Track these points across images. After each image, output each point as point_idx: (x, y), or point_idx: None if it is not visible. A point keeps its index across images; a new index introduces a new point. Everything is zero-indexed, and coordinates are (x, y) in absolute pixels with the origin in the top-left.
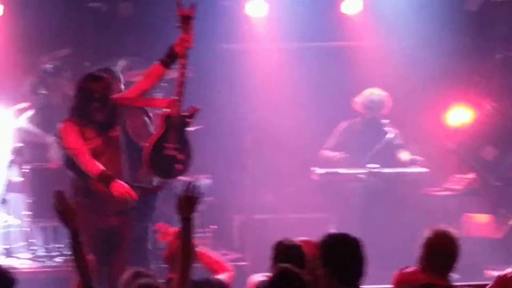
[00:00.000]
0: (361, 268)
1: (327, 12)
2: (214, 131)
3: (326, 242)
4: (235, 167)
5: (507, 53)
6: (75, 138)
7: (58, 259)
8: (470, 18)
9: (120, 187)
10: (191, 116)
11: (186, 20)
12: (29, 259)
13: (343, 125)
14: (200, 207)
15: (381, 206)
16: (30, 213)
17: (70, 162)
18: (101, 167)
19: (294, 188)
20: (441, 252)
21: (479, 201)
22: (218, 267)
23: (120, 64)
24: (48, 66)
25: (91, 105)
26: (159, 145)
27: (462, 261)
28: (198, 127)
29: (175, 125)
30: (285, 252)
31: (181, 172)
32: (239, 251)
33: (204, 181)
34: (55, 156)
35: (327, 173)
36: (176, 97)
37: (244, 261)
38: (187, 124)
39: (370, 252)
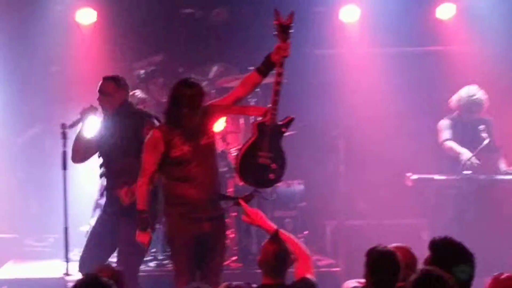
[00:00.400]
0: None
1: (421, 16)
2: (307, 137)
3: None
4: (328, 172)
5: None
6: (150, 157)
7: (151, 264)
8: None
9: (147, 238)
10: (286, 125)
11: (284, 29)
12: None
13: (446, 121)
14: (293, 213)
15: (475, 212)
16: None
17: (162, 170)
18: (146, 205)
19: (387, 193)
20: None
21: None
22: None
23: (213, 70)
24: (141, 72)
25: (181, 111)
26: (251, 153)
27: None
28: (291, 132)
29: (269, 134)
30: (379, 259)
31: (273, 182)
32: (331, 257)
33: (297, 187)
34: None
35: (421, 178)
36: (271, 106)
37: (337, 267)
38: (281, 133)
39: None
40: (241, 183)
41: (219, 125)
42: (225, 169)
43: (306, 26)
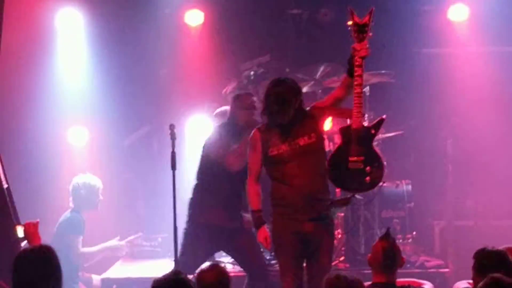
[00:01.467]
0: None
1: None
2: (415, 136)
3: None
4: (436, 172)
5: None
6: (252, 157)
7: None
8: None
9: (262, 235)
10: (375, 126)
11: (360, 29)
12: (231, 263)
13: None
14: (401, 213)
15: None
16: None
17: (266, 170)
18: (259, 205)
19: (497, 193)
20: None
21: None
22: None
23: (320, 70)
24: (250, 72)
25: (272, 109)
26: (339, 159)
27: None
28: (398, 133)
29: (356, 137)
30: (488, 260)
31: (372, 184)
32: (440, 258)
33: (405, 187)
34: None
35: None
36: (354, 109)
37: (446, 267)
38: (371, 135)
39: None
40: None
41: (326, 125)
42: None
43: (414, 25)
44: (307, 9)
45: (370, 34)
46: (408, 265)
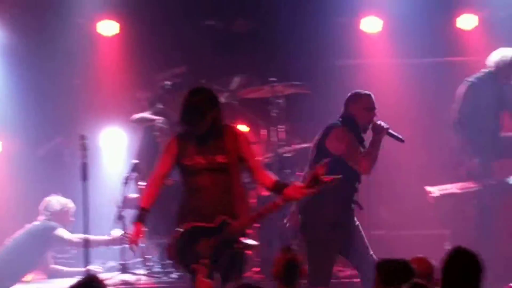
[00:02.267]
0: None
1: (442, 27)
2: None
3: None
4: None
5: None
6: (164, 158)
7: (173, 275)
8: None
9: (137, 230)
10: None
11: (316, 181)
12: (145, 275)
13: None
14: None
15: (500, 221)
16: (146, 229)
17: (182, 181)
18: (148, 205)
19: (410, 204)
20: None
21: None
22: None
23: (235, 81)
24: (167, 83)
25: (187, 118)
26: None
27: None
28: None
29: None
30: (391, 270)
31: None
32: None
33: None
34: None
35: (441, 196)
36: (255, 217)
37: (358, 277)
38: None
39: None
40: (264, 193)
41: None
42: (247, 180)
43: (327, 36)
44: (223, 20)
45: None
46: None
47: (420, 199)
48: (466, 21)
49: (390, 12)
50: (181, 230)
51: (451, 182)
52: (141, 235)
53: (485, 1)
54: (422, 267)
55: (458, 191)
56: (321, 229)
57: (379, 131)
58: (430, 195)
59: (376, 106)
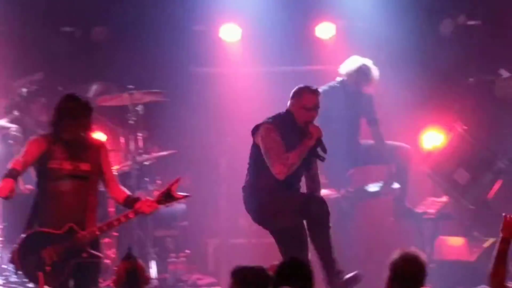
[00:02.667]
0: None
1: (301, 36)
2: (188, 155)
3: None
4: (211, 191)
5: (480, 77)
6: (25, 155)
7: (30, 285)
8: (444, 42)
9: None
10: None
11: (169, 196)
12: (1, 285)
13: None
14: (175, 232)
15: (355, 228)
16: (1, 238)
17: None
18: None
19: None
20: (406, 276)
21: (453, 224)
22: None
23: (93, 89)
24: (23, 90)
25: (63, 122)
26: None
27: (436, 284)
28: (172, 151)
29: None
30: (248, 277)
31: None
32: (213, 275)
33: (178, 206)
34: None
35: None
36: (103, 227)
37: (219, 285)
38: None
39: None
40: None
41: None
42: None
43: (187, 44)
44: (81, 27)
45: None
46: (181, 284)
47: None
48: (324, 30)
49: (249, 20)
50: (25, 235)
51: None
52: (10, 191)
53: (342, 11)
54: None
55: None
56: (285, 217)
57: (310, 136)
58: None
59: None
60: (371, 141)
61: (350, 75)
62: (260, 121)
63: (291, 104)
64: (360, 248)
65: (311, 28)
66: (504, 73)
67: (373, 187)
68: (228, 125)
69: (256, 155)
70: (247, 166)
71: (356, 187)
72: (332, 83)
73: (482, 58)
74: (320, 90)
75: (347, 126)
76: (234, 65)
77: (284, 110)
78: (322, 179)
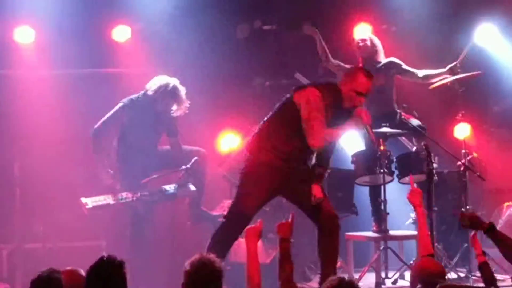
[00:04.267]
0: None
1: (99, 39)
2: None
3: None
4: (4, 195)
5: (276, 81)
6: None
7: None
8: (240, 46)
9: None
10: None
11: None
12: None
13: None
14: None
15: (152, 231)
16: None
17: None
18: None
19: (65, 216)
20: (201, 281)
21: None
22: None
23: None
24: None
25: None
26: None
27: (232, 286)
28: None
29: None
30: (34, 284)
31: None
32: (8, 282)
33: None
34: None
35: (95, 207)
36: None
37: None
38: None
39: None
40: None
41: None
42: None
43: None
44: None
45: None
46: None
47: (75, 210)
48: (120, 33)
49: (44, 22)
50: None
51: (107, 193)
52: None
53: (138, 14)
54: (72, 279)
55: (112, 202)
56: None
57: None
58: (84, 207)
59: None
60: (168, 147)
61: (158, 94)
62: (54, 125)
63: (344, 82)
64: (157, 251)
65: (107, 31)
66: (300, 77)
67: (169, 190)
68: (21, 129)
69: (291, 115)
70: (262, 125)
71: (152, 190)
72: (135, 97)
73: (278, 62)
74: (126, 100)
75: (147, 137)
76: (29, 67)
77: (334, 81)
78: (117, 185)
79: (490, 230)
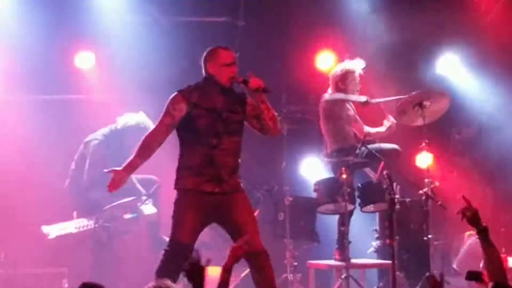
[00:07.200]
0: None
1: (61, 64)
2: None
3: None
4: None
5: None
6: None
7: None
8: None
9: None
10: None
11: None
12: None
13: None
14: None
15: (115, 256)
16: None
17: None
18: None
19: (28, 243)
20: None
21: (211, 253)
22: None
23: None
24: None
25: None
26: None
27: None
28: None
29: None
30: None
31: None
32: None
33: None
34: None
35: (58, 237)
36: None
37: None
38: None
39: None
40: None
41: None
42: None
43: None
44: None
45: None
46: None
47: (37, 237)
48: (84, 60)
49: (7, 49)
50: None
51: (69, 219)
52: None
53: (103, 40)
54: None
55: (74, 230)
56: None
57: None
58: (46, 237)
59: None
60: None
61: (126, 129)
62: (18, 151)
63: (209, 66)
64: (120, 281)
65: (70, 57)
66: None
67: (128, 215)
68: None
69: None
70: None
71: (114, 216)
72: (105, 132)
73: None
74: (101, 138)
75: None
76: None
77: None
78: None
79: (485, 231)
